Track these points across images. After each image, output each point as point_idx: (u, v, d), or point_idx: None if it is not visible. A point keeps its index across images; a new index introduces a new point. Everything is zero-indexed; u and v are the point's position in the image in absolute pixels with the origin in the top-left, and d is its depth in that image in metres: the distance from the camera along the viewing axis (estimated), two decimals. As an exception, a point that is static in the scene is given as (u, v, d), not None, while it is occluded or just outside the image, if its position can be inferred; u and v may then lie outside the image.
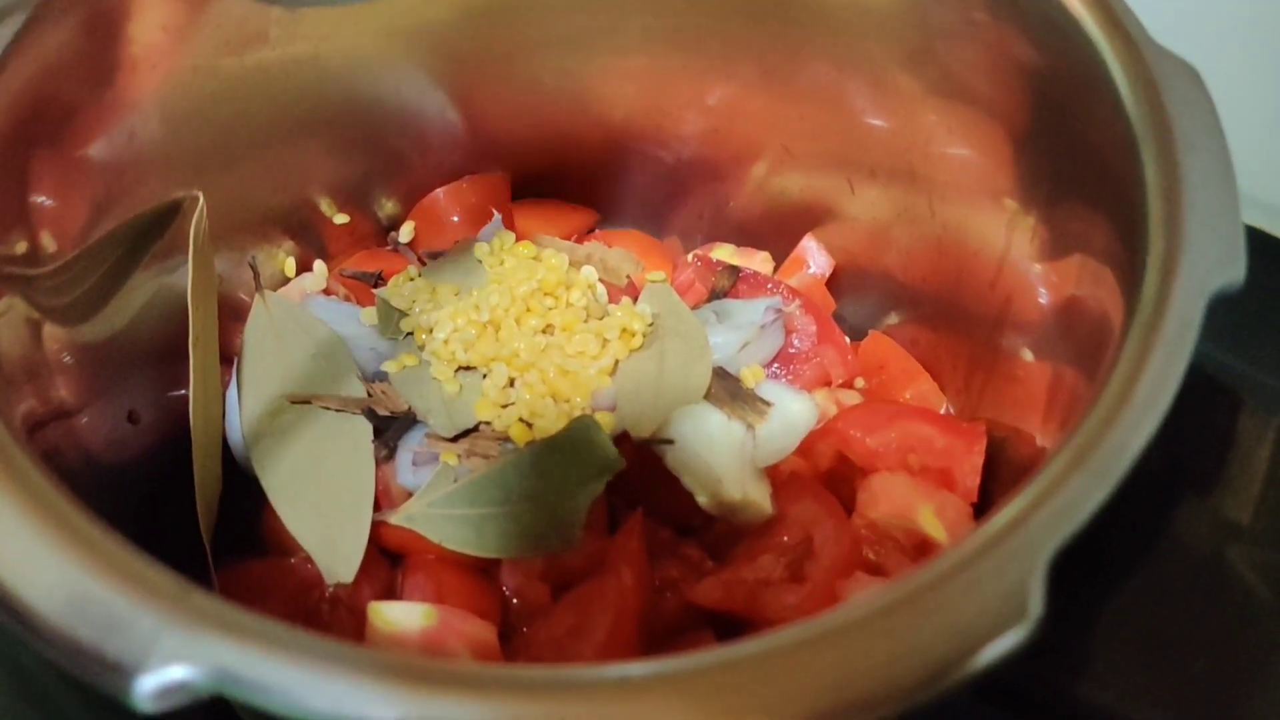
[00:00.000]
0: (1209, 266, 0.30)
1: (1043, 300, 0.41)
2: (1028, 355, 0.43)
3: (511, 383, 0.47)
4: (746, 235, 0.59)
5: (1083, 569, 0.28)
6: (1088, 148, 0.36)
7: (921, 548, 0.43)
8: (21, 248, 0.37)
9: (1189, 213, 0.31)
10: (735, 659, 0.24)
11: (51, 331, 0.39)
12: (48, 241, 0.39)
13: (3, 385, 0.34)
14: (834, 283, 0.57)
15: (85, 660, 0.24)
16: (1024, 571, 0.25)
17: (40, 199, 0.39)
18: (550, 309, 0.49)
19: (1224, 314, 0.31)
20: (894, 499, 0.43)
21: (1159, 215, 0.32)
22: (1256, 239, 0.62)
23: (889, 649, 0.24)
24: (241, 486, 0.47)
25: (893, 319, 0.56)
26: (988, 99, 0.43)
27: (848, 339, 0.55)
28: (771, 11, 0.50)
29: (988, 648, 0.24)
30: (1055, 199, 0.40)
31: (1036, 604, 0.25)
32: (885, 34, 0.46)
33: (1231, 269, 0.30)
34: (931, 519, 0.42)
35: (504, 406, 0.46)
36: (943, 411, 0.51)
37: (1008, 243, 0.44)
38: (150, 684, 0.24)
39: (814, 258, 0.56)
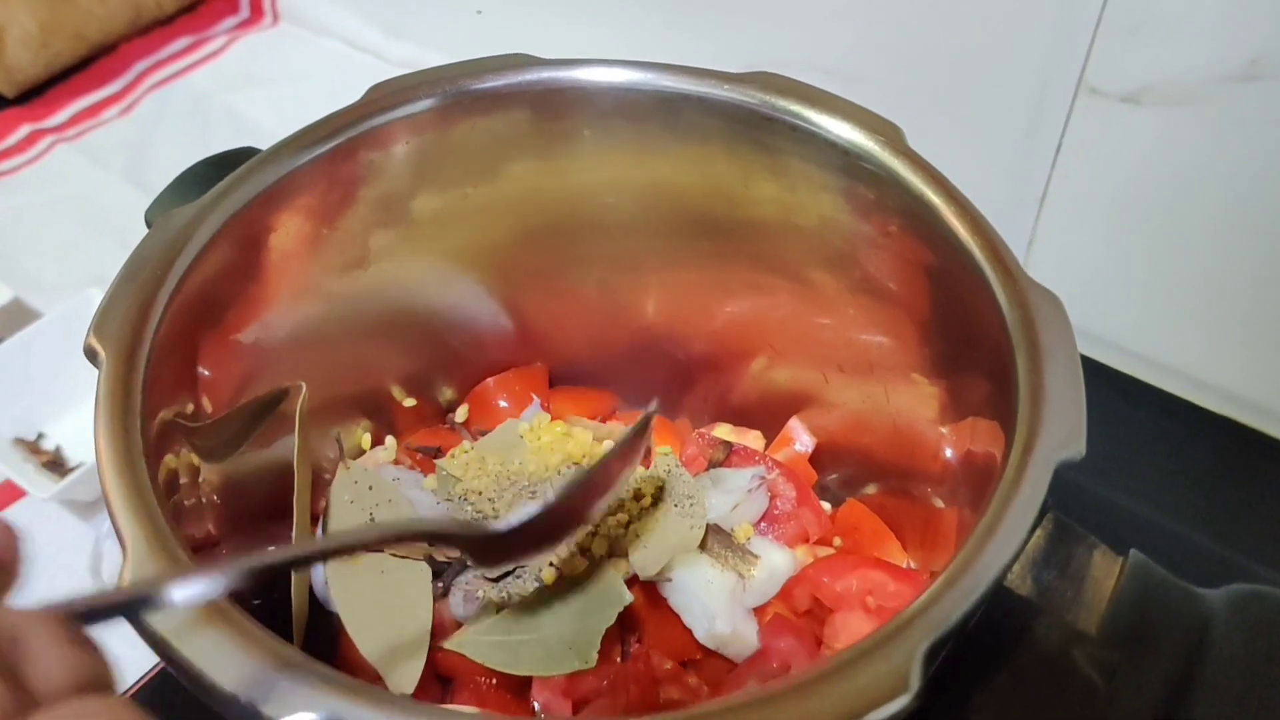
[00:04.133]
0: (1057, 445, 0.41)
1: (949, 456, 0.52)
2: (939, 504, 0.53)
3: (544, 535, 0.57)
4: (743, 416, 0.70)
5: (963, 661, 0.38)
6: (978, 339, 0.48)
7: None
8: (189, 409, 0.49)
9: (1045, 407, 0.42)
10: (704, 713, 0.34)
11: (205, 475, 0.50)
12: (206, 404, 0.51)
13: (182, 511, 0.45)
14: (818, 457, 0.67)
15: (248, 711, 0.35)
16: (907, 658, 0.35)
17: (203, 371, 0.51)
18: (577, 476, 0.60)
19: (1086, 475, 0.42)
20: (852, 632, 0.53)
21: (1025, 407, 0.43)
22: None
23: (808, 708, 0.34)
24: (321, 620, 0.58)
25: (870, 488, 0.66)
26: (905, 297, 0.54)
27: (829, 505, 0.66)
28: (745, 235, 0.62)
29: (880, 710, 0.34)
30: (958, 372, 0.51)
31: (915, 681, 0.35)
32: (818, 245, 0.58)
33: (1074, 447, 0.41)
34: (883, 648, 0.52)
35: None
36: (905, 565, 0.61)
37: (941, 419, 0.55)
38: (287, 725, 0.34)
39: (799, 436, 0.67)
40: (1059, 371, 0.43)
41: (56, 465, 0.80)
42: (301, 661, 0.36)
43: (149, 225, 0.53)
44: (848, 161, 0.53)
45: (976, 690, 0.38)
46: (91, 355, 0.45)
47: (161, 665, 0.60)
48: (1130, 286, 0.83)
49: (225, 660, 0.36)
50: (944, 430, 0.53)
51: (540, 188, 0.62)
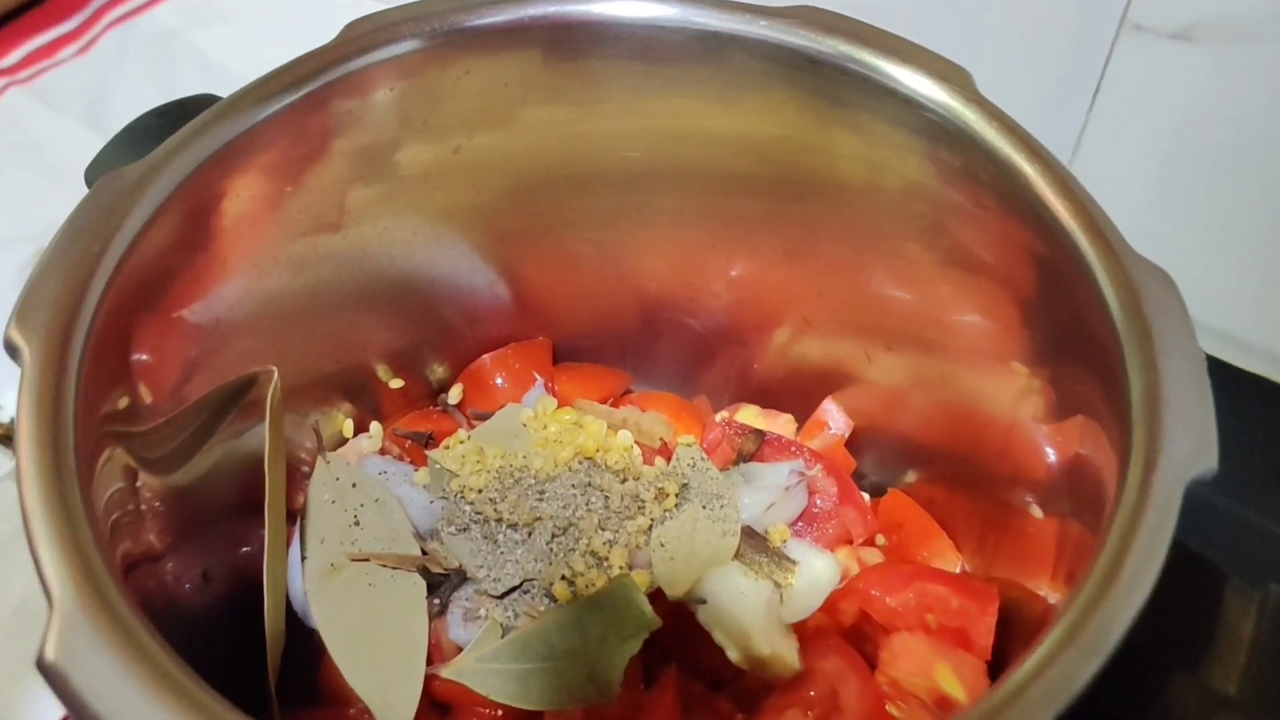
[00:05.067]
0: (1185, 461, 0.34)
1: (1050, 459, 0.45)
2: (1036, 512, 0.46)
3: (553, 539, 0.50)
4: (770, 396, 0.63)
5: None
6: (1085, 328, 0.40)
7: (942, 704, 0.45)
8: (123, 403, 0.41)
9: (1166, 411, 0.35)
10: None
11: (145, 480, 0.43)
12: (145, 394, 0.43)
13: (108, 525, 0.38)
14: (853, 442, 0.61)
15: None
16: (1026, 741, 0.28)
17: (151, 363, 0.43)
18: (590, 471, 0.53)
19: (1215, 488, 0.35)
20: (913, 658, 0.46)
21: (1141, 413, 0.35)
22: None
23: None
24: (300, 637, 0.51)
25: (910, 477, 0.60)
26: (995, 269, 0.47)
27: (868, 496, 0.59)
28: (793, 195, 0.54)
29: (994, 811, 0.27)
30: (1060, 361, 0.44)
31: (1038, 771, 0.28)
32: (899, 211, 0.50)
33: (1205, 462, 0.34)
34: (949, 677, 0.45)
35: (547, 563, 0.49)
36: (958, 569, 0.54)
37: (1014, 412, 0.48)
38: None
39: (834, 419, 0.60)
40: (1178, 368, 0.36)
41: (12, 439, 0.72)
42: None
43: (90, 186, 0.45)
44: (912, 111, 0.45)
45: (1100, 769, 0.31)
46: (12, 351, 0.37)
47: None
48: (1175, 241, 0.76)
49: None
50: (1046, 428, 0.45)
51: (546, 140, 0.54)
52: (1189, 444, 0.34)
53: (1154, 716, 0.32)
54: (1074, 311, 0.41)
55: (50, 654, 0.30)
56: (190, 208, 0.44)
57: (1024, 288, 0.45)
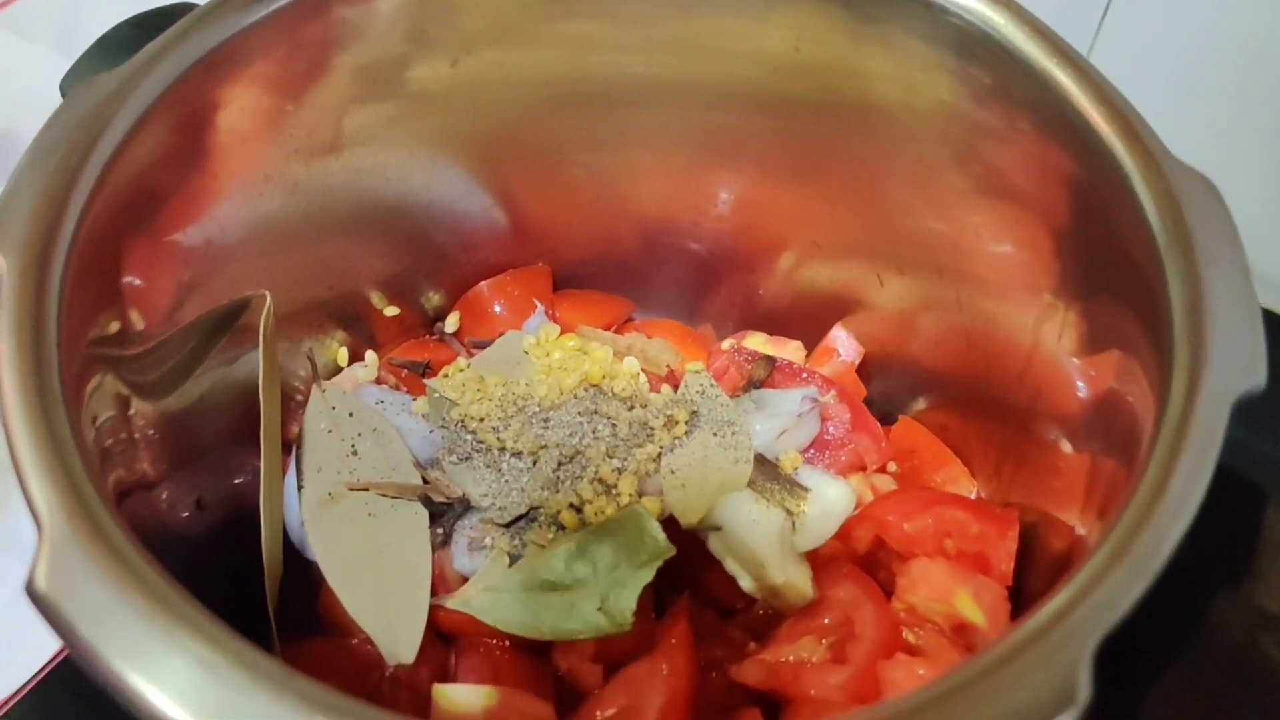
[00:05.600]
0: (1232, 375, 0.32)
1: (1081, 393, 0.43)
2: (1066, 446, 0.44)
3: (560, 467, 0.49)
4: (776, 323, 0.61)
5: (1125, 657, 0.30)
6: (1120, 249, 0.39)
7: (960, 631, 0.44)
8: (114, 328, 0.40)
9: (1211, 323, 0.33)
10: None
11: (138, 406, 0.41)
12: (136, 319, 0.41)
13: (99, 453, 0.36)
14: (863, 368, 0.59)
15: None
16: (1071, 660, 0.27)
17: (137, 284, 0.41)
18: (596, 398, 0.51)
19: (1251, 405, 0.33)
20: (932, 584, 0.45)
21: (1183, 326, 0.34)
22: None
23: (948, 735, 0.26)
24: (298, 567, 0.49)
25: (921, 404, 0.58)
26: (1027, 192, 0.45)
27: (878, 423, 0.57)
28: (809, 113, 0.52)
29: (1039, 734, 0.26)
30: (1091, 294, 0.42)
31: (1085, 691, 0.27)
32: (929, 133, 0.48)
33: (1253, 376, 0.32)
34: (969, 603, 0.44)
35: (554, 491, 0.48)
36: (972, 496, 0.53)
37: (1036, 337, 0.46)
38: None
39: (843, 346, 0.59)
40: (1222, 280, 0.35)
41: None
42: (279, 673, 0.28)
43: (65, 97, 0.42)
44: (937, 17, 0.43)
45: (1144, 692, 0.30)
46: (-11, 267, 0.35)
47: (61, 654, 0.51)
48: (1190, 150, 0.74)
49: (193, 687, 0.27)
50: (1077, 361, 0.43)
51: (549, 54, 0.51)
52: (1236, 358, 0.33)
53: (1199, 638, 0.31)
54: (1110, 226, 0.39)
55: (41, 582, 0.29)
56: (175, 118, 0.42)
57: (1058, 209, 0.43)
